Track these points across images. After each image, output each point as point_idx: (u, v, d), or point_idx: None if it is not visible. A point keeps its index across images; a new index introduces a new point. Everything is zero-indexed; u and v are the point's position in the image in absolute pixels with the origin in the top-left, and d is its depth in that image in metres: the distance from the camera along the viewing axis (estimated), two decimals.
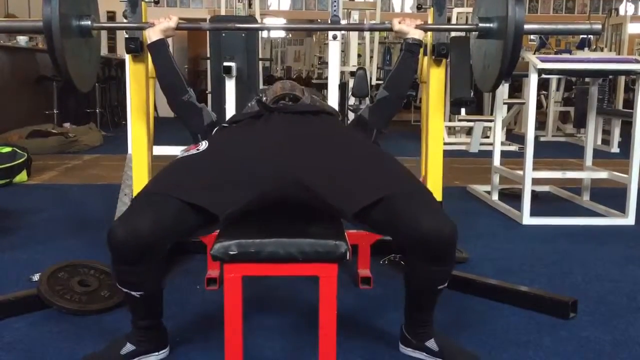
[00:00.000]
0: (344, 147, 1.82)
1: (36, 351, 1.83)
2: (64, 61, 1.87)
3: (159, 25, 2.04)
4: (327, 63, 2.92)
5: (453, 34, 7.31)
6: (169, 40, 2.08)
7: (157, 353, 1.77)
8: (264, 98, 2.09)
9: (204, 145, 1.81)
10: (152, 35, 2.03)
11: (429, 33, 2.31)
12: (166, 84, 2.02)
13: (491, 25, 2.07)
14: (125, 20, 2.22)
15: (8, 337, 1.91)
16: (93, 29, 2.08)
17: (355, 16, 7.55)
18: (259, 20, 6.78)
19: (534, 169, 3.46)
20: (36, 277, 2.27)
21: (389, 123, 2.11)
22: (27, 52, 7.07)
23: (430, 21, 2.27)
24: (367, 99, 7.05)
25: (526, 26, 1.94)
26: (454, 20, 7.57)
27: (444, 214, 1.62)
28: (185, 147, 1.88)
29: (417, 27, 2.08)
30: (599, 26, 2.08)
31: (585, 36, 9.07)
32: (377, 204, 1.63)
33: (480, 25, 2.11)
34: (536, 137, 3.62)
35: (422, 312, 1.79)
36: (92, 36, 2.12)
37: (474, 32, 2.18)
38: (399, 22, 2.09)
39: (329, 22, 2.32)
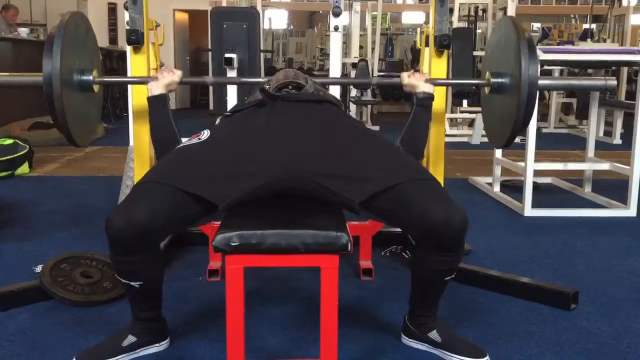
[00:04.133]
0: (349, 136, 1.80)
1: (39, 342, 1.84)
2: (63, 117, 1.85)
3: (163, 79, 1.99)
4: (328, 54, 2.91)
5: (455, 25, 7.33)
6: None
7: (158, 344, 1.78)
8: (267, 86, 2.08)
9: (205, 134, 1.79)
10: (154, 89, 1.97)
11: (430, 23, 2.31)
12: (159, 138, 1.95)
13: (504, 80, 2.03)
14: (127, 21, 2.20)
15: (11, 328, 1.93)
16: (95, 83, 2.06)
17: (357, 7, 7.52)
18: (261, 12, 6.76)
19: (536, 160, 3.46)
20: (39, 269, 2.28)
21: None
22: (28, 44, 7.05)
23: (431, 12, 2.26)
24: (368, 90, 7.05)
25: (540, 82, 1.91)
26: (455, 11, 7.53)
27: (453, 202, 1.60)
28: (188, 137, 1.87)
29: (426, 81, 2.05)
30: (614, 82, 2.05)
31: (587, 27, 9.04)
32: (384, 193, 1.62)
33: (493, 80, 2.08)
34: (538, 129, 3.61)
35: (427, 303, 1.78)
36: (94, 90, 2.10)
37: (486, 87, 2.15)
38: (408, 77, 2.07)
39: (331, 13, 2.31)
